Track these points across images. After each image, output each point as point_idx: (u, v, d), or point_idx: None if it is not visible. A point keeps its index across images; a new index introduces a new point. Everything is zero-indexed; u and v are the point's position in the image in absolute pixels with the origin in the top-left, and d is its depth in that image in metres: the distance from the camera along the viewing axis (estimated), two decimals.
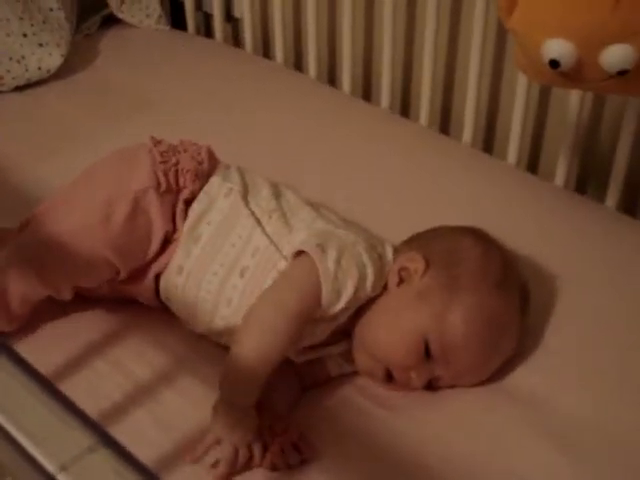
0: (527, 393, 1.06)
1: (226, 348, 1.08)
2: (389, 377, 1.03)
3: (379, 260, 1.05)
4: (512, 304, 1.05)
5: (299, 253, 1.04)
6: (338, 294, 1.00)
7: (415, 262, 1.04)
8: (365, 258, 1.03)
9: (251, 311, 1.01)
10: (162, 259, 1.11)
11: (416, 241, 1.10)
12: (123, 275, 1.10)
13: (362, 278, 1.02)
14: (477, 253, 1.05)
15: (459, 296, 1.01)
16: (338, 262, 1.01)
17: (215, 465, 0.95)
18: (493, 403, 1.05)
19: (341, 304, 1.01)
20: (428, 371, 1.02)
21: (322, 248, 1.02)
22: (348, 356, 1.07)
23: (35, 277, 1.07)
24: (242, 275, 1.07)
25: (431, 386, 1.04)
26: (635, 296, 1.20)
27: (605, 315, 1.17)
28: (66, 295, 1.11)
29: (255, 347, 0.98)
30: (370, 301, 1.05)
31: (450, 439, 1.01)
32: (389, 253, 1.08)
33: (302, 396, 1.06)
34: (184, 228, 1.10)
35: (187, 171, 1.12)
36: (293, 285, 1.01)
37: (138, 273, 1.11)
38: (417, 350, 1.00)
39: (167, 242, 1.11)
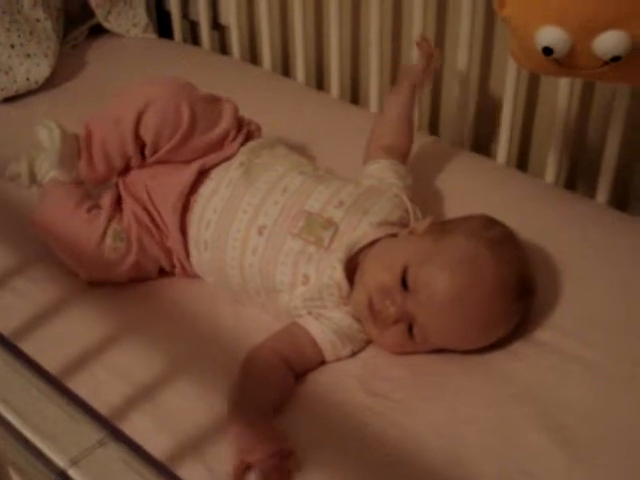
0: (529, 385, 1.06)
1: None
2: (372, 309, 1.06)
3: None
4: (500, 269, 1.05)
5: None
6: None
7: (424, 221, 1.14)
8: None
9: None
10: None
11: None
12: None
13: None
14: (484, 219, 1.12)
15: (449, 239, 1.07)
16: None
17: None
18: (495, 397, 1.05)
19: None
20: (402, 301, 1.04)
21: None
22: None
23: None
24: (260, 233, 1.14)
25: (410, 335, 1.06)
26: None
27: (603, 308, 1.17)
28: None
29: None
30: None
31: (452, 432, 1.01)
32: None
33: None
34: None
35: None
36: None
37: None
38: (394, 273, 1.05)
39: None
